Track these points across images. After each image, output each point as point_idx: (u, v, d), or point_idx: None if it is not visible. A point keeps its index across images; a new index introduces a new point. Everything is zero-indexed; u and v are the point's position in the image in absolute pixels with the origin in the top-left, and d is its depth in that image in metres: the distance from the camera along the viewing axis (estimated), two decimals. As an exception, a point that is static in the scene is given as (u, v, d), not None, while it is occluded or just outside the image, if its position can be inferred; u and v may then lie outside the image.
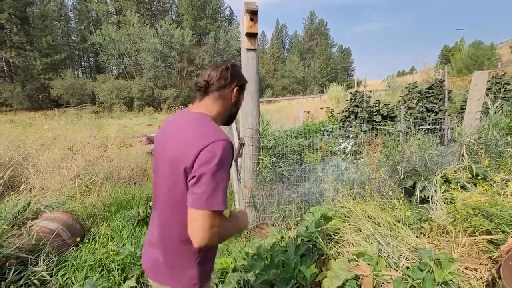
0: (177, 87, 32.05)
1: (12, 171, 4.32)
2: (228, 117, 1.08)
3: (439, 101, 5.05)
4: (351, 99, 5.07)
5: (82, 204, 3.29)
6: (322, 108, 10.38)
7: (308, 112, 10.87)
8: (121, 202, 3.61)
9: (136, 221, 3.27)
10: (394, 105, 5.33)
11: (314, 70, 56.57)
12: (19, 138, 5.38)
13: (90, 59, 40.02)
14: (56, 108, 20.39)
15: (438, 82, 5.13)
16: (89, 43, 34.66)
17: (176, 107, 25.23)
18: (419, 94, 5.15)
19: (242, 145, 2.63)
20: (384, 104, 5.14)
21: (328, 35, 64.35)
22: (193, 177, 0.81)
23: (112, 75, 35.96)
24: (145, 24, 33.08)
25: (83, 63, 40.44)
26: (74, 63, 38.54)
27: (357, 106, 4.88)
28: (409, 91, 5.25)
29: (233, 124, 2.88)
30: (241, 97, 1.09)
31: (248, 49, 2.61)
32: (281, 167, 2.78)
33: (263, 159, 2.78)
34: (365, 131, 4.51)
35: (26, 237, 2.07)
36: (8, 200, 2.93)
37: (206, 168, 0.80)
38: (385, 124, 4.98)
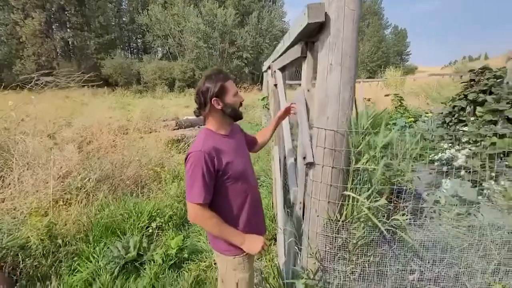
0: (218, 69, 31.22)
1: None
2: (231, 118, 1.32)
3: None
4: (472, 81, 3.16)
5: (47, 228, 2.15)
6: (387, 95, 8.26)
7: (369, 99, 8.81)
8: (108, 225, 2.41)
9: (120, 265, 2.02)
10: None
11: (363, 54, 51.03)
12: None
13: (138, 40, 41.19)
14: (105, 87, 21.06)
15: None
16: (137, 24, 35.44)
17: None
18: None
19: (308, 165, 1.15)
20: (527, 91, 3.12)
21: (382, 15, 57.56)
22: None
23: (157, 56, 36.56)
24: (189, 4, 32.37)
25: (131, 43, 41.80)
26: (124, 43, 39.94)
27: (484, 92, 2.98)
28: None
29: (304, 123, 1.38)
30: (228, 97, 1.27)
31: None
32: (397, 218, 1.24)
33: (353, 198, 1.26)
34: (504, 134, 2.65)
35: None
36: None
37: None
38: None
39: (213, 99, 1.23)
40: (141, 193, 3.20)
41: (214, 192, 1.21)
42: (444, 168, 3.14)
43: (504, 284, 1.36)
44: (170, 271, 2.10)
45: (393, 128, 5.16)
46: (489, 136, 2.75)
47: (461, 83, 3.34)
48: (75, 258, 2.07)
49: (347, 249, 1.32)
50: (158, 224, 2.61)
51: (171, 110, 11.72)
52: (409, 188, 1.91)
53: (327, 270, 1.37)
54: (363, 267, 1.33)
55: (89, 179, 3.01)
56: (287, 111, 1.62)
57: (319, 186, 1.31)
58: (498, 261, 1.35)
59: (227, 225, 1.23)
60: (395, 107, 7.65)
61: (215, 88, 1.22)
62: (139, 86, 29.01)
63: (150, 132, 5.66)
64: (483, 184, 2.60)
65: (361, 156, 1.30)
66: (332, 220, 1.31)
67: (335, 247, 1.33)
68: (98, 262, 2.04)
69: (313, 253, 1.36)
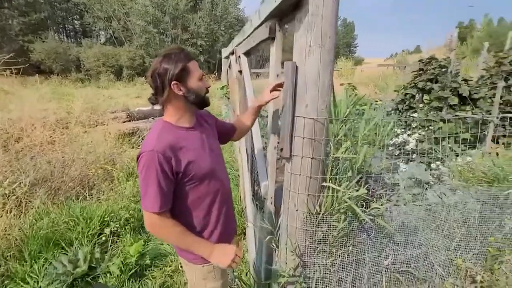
0: (170, 57, 29.44)
1: None
2: (196, 105, 1.10)
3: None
4: (421, 70, 3.41)
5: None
6: (342, 84, 8.68)
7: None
8: (48, 236, 2.05)
9: (68, 283, 1.73)
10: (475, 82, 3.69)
11: (317, 44, 52.94)
12: None
13: (75, 21, 36.44)
14: (37, 75, 18.22)
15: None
16: (72, 2, 31.29)
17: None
18: (514, 67, 3.49)
19: (287, 157, 1.06)
20: (464, 80, 3.49)
21: (334, 7, 60.35)
22: None
23: (100, 40, 32.99)
24: (134, -17, 29.54)
25: (66, 25, 36.80)
26: (57, 24, 34.97)
27: (431, 81, 3.24)
28: (499, 63, 3.59)
29: (289, 106, 1.22)
30: (192, 81, 1.05)
31: None
32: (377, 207, 1.22)
33: (333, 190, 1.21)
34: (447, 120, 2.92)
35: None
36: None
37: None
38: (464, 110, 3.39)
39: (172, 83, 1.00)
40: (89, 195, 2.80)
41: (174, 196, 1.03)
42: (397, 152, 3.36)
43: (464, 258, 1.48)
44: (130, 281, 1.86)
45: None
46: (436, 122, 3.00)
47: (412, 72, 3.60)
48: (6, 282, 1.70)
49: (327, 242, 1.27)
50: (112, 229, 2.30)
51: (120, 100, 10.72)
52: (381, 175, 1.97)
53: (307, 265, 1.31)
54: (342, 258, 1.31)
55: (20, 183, 2.52)
56: (276, 90, 1.33)
57: (298, 179, 1.23)
58: (460, 238, 1.45)
59: (190, 234, 1.05)
60: (349, 96, 8.08)
61: (175, 70, 0.99)
62: (80, 74, 25.92)
63: (96, 126, 5.04)
64: (431, 165, 2.84)
65: (339, 145, 1.25)
66: (312, 214, 1.24)
67: (315, 240, 1.28)
68: (38, 283, 1.70)
69: (293, 249, 1.29)
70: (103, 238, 2.21)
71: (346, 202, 1.18)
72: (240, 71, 2.32)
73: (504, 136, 3.24)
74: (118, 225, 2.35)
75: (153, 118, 6.65)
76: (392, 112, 3.67)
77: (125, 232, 2.37)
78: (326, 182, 1.23)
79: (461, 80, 3.52)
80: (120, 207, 2.58)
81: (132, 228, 2.44)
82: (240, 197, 2.84)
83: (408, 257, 1.39)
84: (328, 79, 1.13)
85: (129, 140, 4.82)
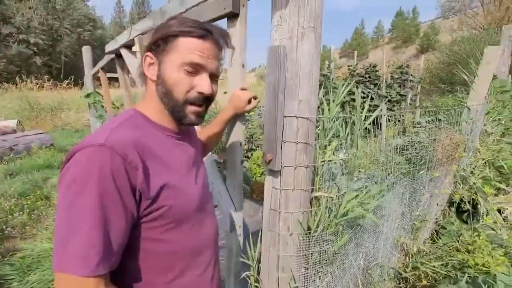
0: (-18, 55, 21.20)
1: None
2: (166, 107, 0.60)
3: (375, 86, 4.72)
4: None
5: None
6: (225, 93, 8.90)
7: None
8: None
9: None
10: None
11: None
12: None
13: None
14: None
15: (372, 67, 4.78)
16: None
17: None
18: (361, 78, 4.65)
19: (274, 171, 0.82)
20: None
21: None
22: None
23: None
24: None
25: None
26: None
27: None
28: (351, 74, 4.67)
29: (280, 100, 0.86)
30: (169, 64, 0.57)
31: None
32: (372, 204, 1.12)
33: (325, 200, 1.04)
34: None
35: None
36: None
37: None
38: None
39: (146, 53, 0.60)
40: None
41: (127, 244, 0.50)
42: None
43: (400, 235, 1.68)
44: None
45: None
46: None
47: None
48: None
49: (322, 262, 1.09)
50: None
51: None
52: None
53: (301, 297, 1.08)
54: (333, 273, 1.17)
55: None
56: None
57: (291, 195, 0.98)
58: (400, 219, 1.64)
59: None
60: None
61: (156, 33, 0.59)
62: None
63: None
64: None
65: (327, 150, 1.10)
66: (309, 234, 1.02)
67: (310, 265, 1.06)
68: None
69: (290, 284, 1.02)
70: None
71: (350, 211, 1.04)
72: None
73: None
74: None
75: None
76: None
77: None
78: (316, 191, 1.05)
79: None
80: None
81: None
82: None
83: (375, 250, 1.42)
84: (317, 72, 0.96)
85: None
